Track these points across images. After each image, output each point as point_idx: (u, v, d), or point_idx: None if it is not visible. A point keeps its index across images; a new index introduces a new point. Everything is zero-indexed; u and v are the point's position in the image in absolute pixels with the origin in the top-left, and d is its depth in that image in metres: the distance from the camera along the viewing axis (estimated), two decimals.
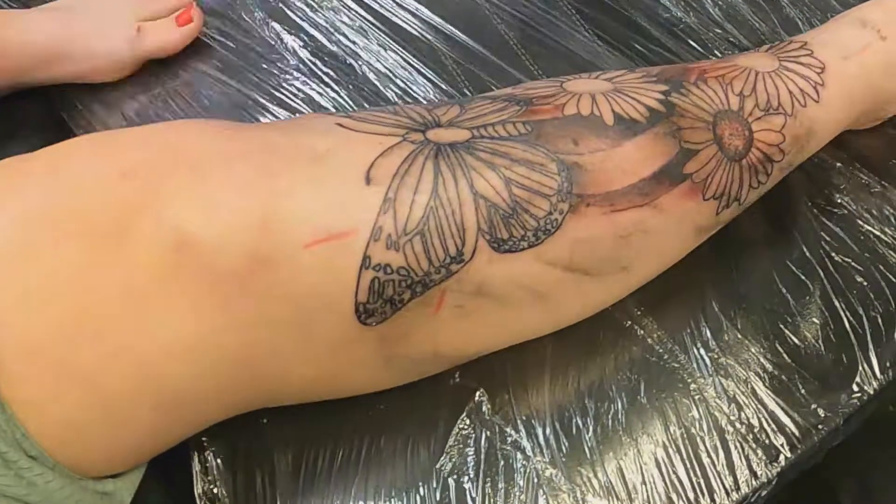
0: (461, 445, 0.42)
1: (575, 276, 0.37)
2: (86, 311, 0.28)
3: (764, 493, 0.42)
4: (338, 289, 0.32)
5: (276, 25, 0.60)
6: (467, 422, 0.42)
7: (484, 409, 0.43)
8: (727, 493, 0.41)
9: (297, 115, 0.56)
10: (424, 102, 0.54)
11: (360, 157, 0.33)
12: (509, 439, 0.42)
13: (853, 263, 0.48)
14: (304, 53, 0.58)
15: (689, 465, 0.41)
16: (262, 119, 0.55)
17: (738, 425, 0.42)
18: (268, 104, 0.56)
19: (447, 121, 0.36)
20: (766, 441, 0.42)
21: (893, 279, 0.47)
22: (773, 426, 0.42)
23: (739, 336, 0.45)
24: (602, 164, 0.36)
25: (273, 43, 0.59)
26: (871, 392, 0.44)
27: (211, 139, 0.32)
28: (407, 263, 0.32)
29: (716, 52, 0.59)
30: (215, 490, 0.40)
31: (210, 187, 0.30)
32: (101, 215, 0.29)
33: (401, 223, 0.32)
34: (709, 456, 0.42)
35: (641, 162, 0.37)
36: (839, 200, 0.51)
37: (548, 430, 0.42)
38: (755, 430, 0.42)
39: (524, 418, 0.42)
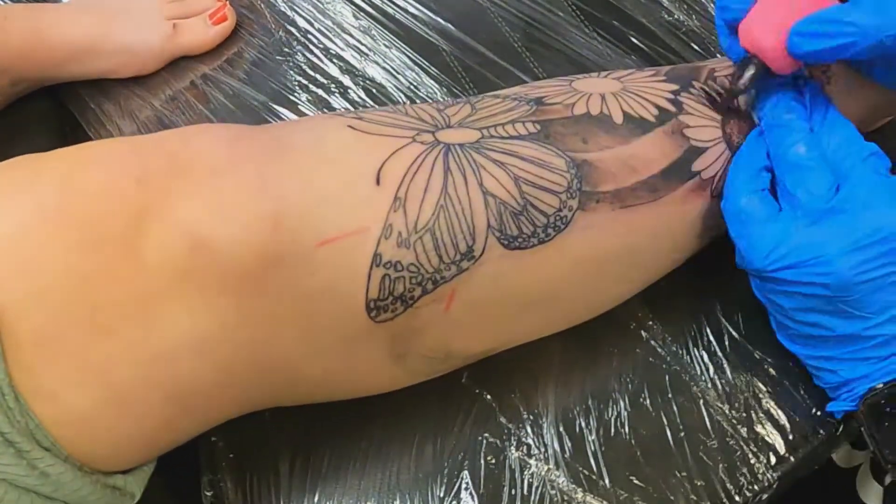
0: (467, 446, 0.42)
1: (584, 272, 0.37)
2: (98, 307, 0.29)
3: (765, 496, 0.42)
4: (349, 286, 0.32)
5: (285, 27, 0.60)
6: (473, 422, 0.42)
7: (490, 409, 0.43)
8: (729, 497, 0.41)
9: (307, 116, 0.55)
10: (437, 101, 0.54)
11: (371, 158, 0.33)
12: (514, 440, 0.42)
13: None
14: (311, 55, 0.59)
15: (690, 468, 0.41)
16: (271, 121, 0.55)
17: (739, 428, 0.43)
18: (277, 107, 0.56)
19: (457, 121, 0.37)
20: (768, 444, 0.42)
21: None
22: (775, 430, 0.43)
23: (742, 339, 0.45)
24: (611, 162, 0.36)
25: (281, 45, 0.59)
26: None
27: (223, 143, 0.32)
28: (417, 260, 0.33)
29: (718, 55, 0.59)
30: (222, 487, 0.40)
31: (222, 190, 0.30)
32: (115, 220, 0.29)
33: (411, 221, 0.32)
34: (711, 459, 0.42)
35: (651, 159, 0.37)
36: None
37: (552, 432, 0.42)
38: (757, 434, 0.42)
39: (530, 419, 0.42)
